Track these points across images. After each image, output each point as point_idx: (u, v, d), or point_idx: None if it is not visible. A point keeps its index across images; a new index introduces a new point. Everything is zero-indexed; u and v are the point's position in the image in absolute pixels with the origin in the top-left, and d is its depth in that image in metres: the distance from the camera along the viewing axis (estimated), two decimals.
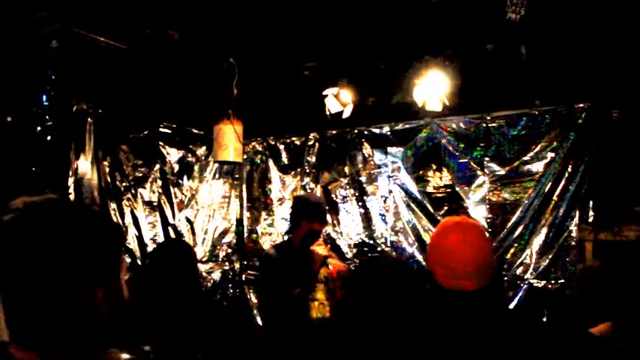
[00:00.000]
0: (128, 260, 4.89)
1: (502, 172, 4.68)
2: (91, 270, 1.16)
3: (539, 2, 3.31)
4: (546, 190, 4.47)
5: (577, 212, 4.35)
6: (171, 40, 3.87)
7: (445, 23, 3.69)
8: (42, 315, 1.09)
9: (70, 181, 4.49)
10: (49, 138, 4.03)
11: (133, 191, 5.16)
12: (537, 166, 4.54)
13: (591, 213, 4.28)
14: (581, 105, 4.36)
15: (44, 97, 3.96)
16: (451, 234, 1.94)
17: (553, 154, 4.46)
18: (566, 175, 4.40)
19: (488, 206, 4.74)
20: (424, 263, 4.97)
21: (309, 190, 5.73)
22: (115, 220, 4.86)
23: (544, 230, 4.48)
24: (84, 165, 4.62)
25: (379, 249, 5.29)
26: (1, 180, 3.83)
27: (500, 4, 3.26)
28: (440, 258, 1.93)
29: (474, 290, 1.88)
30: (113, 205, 4.91)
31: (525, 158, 4.58)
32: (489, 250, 2.05)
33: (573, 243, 4.35)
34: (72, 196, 4.48)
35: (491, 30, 3.72)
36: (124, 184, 5.06)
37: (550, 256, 4.44)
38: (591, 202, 4.29)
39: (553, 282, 4.39)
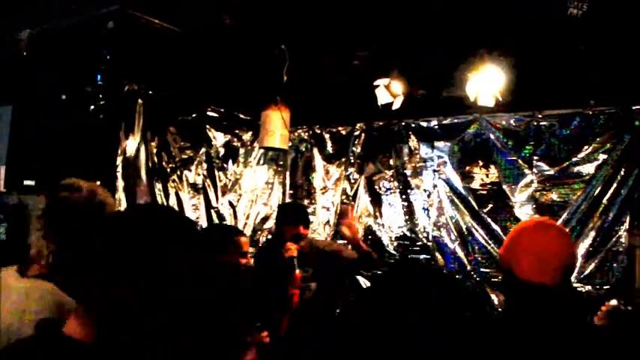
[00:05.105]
0: None
1: (551, 171, 4.58)
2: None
3: None
4: (596, 193, 4.36)
5: (628, 217, 4.23)
6: (224, 25, 3.88)
7: (501, 17, 3.61)
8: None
9: (119, 159, 4.58)
10: (101, 116, 4.12)
11: (179, 173, 5.24)
12: (588, 168, 4.43)
13: None
14: (639, 107, 4.23)
15: (99, 77, 4.04)
16: (551, 231, 1.97)
17: (605, 157, 4.35)
18: (619, 178, 4.29)
19: (534, 206, 4.65)
20: (465, 260, 4.93)
21: (352, 181, 5.71)
22: (160, 201, 4.94)
23: (592, 234, 4.37)
24: (132, 144, 4.70)
25: (419, 243, 5.25)
26: (56, 155, 3.93)
27: None
28: (534, 250, 1.92)
29: (560, 285, 1.91)
30: (159, 186, 4.99)
31: (576, 159, 4.48)
32: None
33: (621, 249, 4.24)
34: (119, 174, 4.57)
35: (549, 25, 3.61)
36: (170, 165, 5.14)
37: (596, 261, 4.34)
38: None
39: (597, 287, 4.29)
